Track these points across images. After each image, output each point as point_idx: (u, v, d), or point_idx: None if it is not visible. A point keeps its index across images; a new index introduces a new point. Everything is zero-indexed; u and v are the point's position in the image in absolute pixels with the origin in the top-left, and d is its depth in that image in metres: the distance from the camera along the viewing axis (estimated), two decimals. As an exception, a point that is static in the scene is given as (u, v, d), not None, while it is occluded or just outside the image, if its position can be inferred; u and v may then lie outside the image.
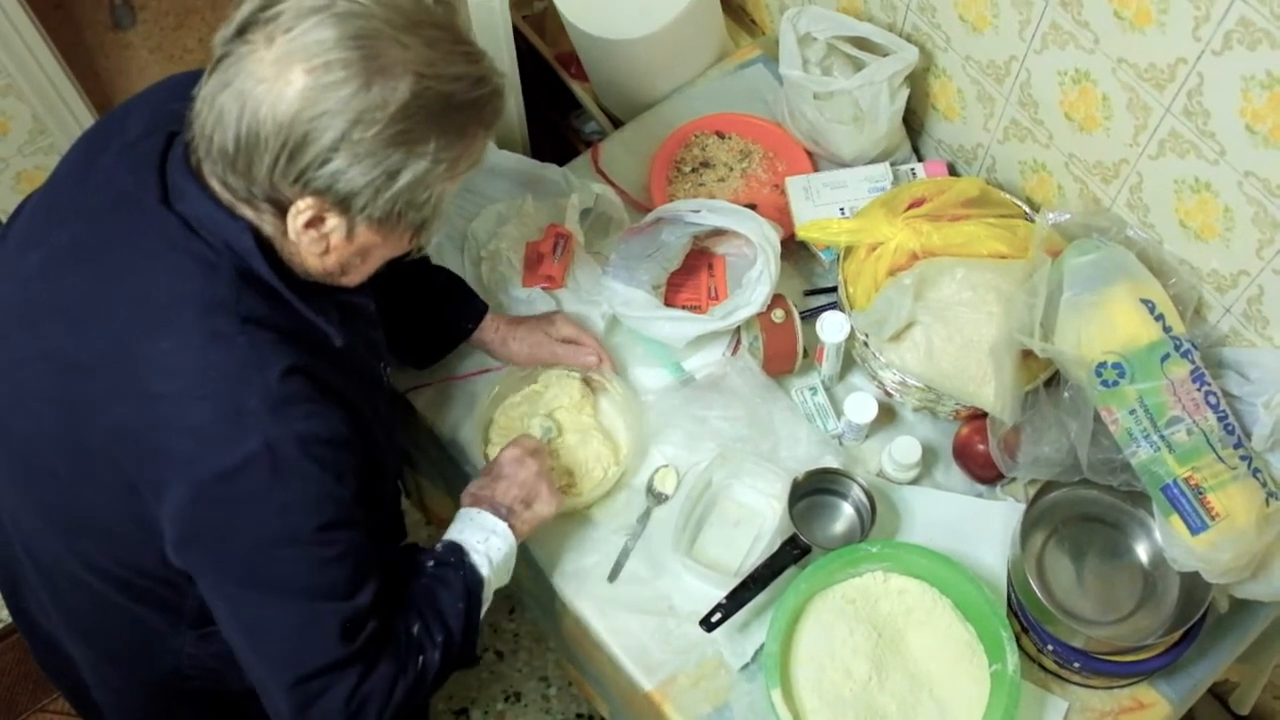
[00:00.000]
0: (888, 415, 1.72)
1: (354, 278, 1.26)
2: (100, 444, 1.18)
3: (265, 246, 1.18)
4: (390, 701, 1.27)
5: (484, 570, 1.41)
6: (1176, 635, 1.48)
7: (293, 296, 1.20)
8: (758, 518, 1.64)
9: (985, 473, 1.64)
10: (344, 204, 1.13)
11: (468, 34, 1.18)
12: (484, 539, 1.43)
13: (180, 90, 1.25)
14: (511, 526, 1.46)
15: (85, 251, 1.21)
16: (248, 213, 1.17)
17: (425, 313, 1.64)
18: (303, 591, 1.21)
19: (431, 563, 1.40)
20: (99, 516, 1.25)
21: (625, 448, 1.67)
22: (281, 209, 1.15)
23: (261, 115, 1.08)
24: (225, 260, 1.17)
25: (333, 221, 1.15)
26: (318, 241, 1.17)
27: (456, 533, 1.44)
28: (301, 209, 1.14)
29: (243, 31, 1.11)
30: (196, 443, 1.14)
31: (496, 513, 1.46)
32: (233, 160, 1.12)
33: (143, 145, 1.22)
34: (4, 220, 1.39)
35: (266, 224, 1.17)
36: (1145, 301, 1.49)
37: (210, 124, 1.12)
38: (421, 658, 1.31)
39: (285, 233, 1.17)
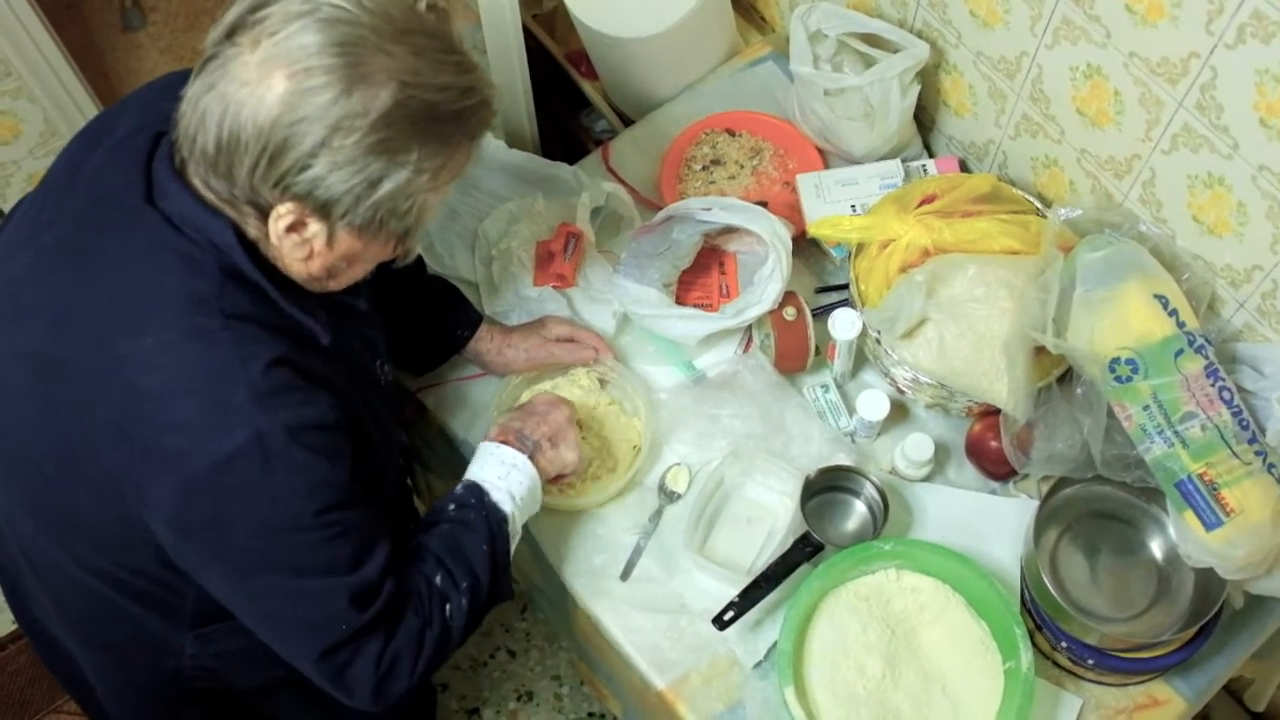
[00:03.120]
0: (900, 412, 1.72)
1: (341, 282, 1.25)
2: (86, 443, 1.18)
3: (249, 245, 1.18)
4: (420, 654, 1.30)
5: (506, 507, 1.41)
6: (1191, 632, 1.48)
7: (278, 294, 1.20)
8: (770, 516, 1.64)
9: (998, 469, 1.64)
10: (324, 210, 1.13)
11: (461, 43, 1.18)
12: (504, 474, 1.44)
13: (170, 89, 1.25)
14: (535, 463, 1.46)
15: (70, 251, 1.21)
16: (231, 213, 1.17)
17: (421, 321, 1.65)
18: (308, 572, 1.22)
19: (452, 506, 1.41)
20: (89, 517, 1.26)
21: (641, 446, 1.67)
22: (263, 212, 1.15)
23: (242, 119, 1.08)
24: (209, 256, 1.17)
25: (314, 227, 1.15)
26: (300, 246, 1.17)
27: (476, 470, 1.45)
28: (282, 213, 1.14)
29: (231, 33, 1.11)
30: (185, 437, 1.14)
31: (522, 445, 1.47)
32: (214, 162, 1.12)
33: (129, 144, 1.22)
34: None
35: (250, 226, 1.18)
36: (1158, 297, 1.48)
37: (193, 126, 1.12)
38: (448, 605, 1.32)
39: (268, 235, 1.17)
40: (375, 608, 1.25)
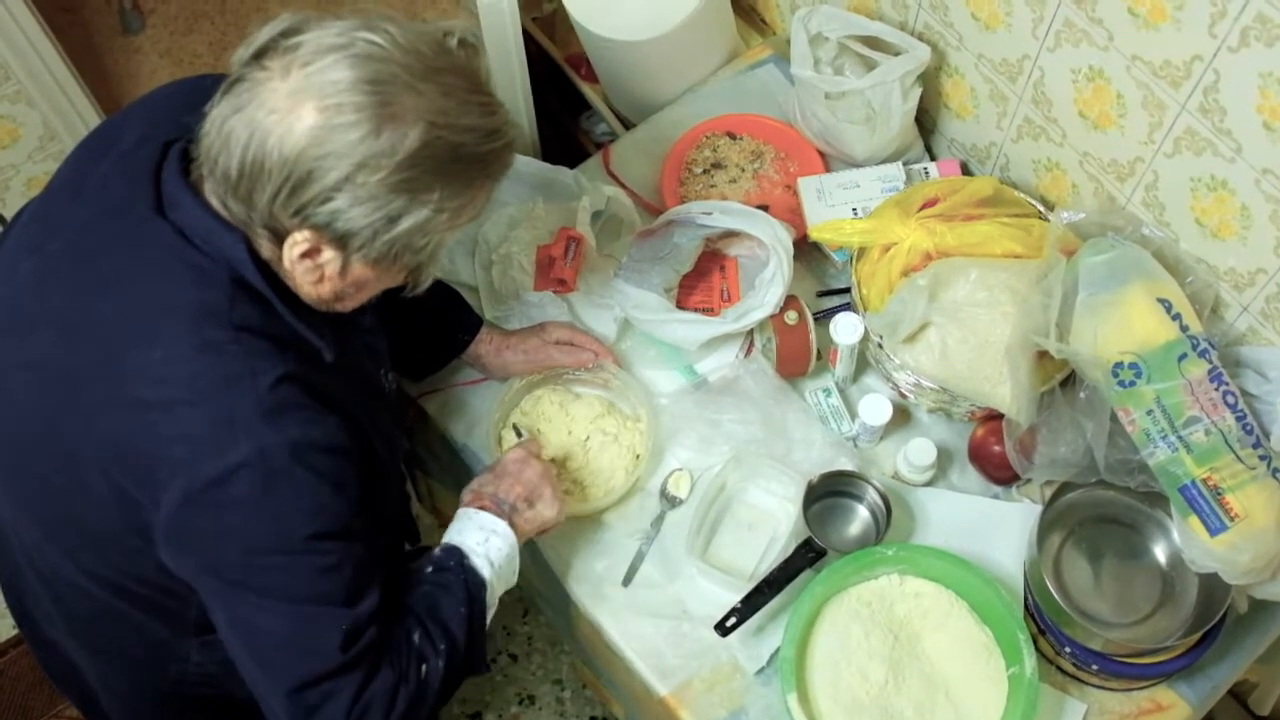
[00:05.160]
0: (902, 417, 1.71)
1: (347, 305, 1.25)
2: (92, 453, 1.18)
3: (260, 262, 1.18)
4: (393, 711, 1.25)
5: (485, 573, 1.38)
6: (1195, 637, 1.47)
7: (285, 310, 1.19)
8: (772, 521, 1.64)
9: (1001, 474, 1.63)
10: (341, 241, 1.13)
11: (488, 82, 1.18)
12: (484, 539, 1.41)
13: (177, 98, 1.24)
14: (513, 525, 1.44)
15: (77, 261, 1.21)
16: (246, 231, 1.17)
17: (421, 325, 1.64)
18: (299, 598, 1.20)
19: (430, 568, 1.38)
20: (94, 525, 1.25)
21: (642, 452, 1.66)
22: (279, 237, 1.15)
23: (269, 146, 1.08)
24: (220, 268, 1.16)
25: (328, 254, 1.15)
26: (312, 271, 1.17)
27: (455, 534, 1.42)
28: (298, 240, 1.14)
29: (260, 56, 1.11)
30: (189, 449, 1.14)
31: (499, 510, 1.44)
32: (235, 186, 1.12)
33: (137, 154, 1.21)
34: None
35: (264, 247, 1.17)
36: (1162, 301, 1.48)
37: (217, 146, 1.11)
38: (425, 665, 1.29)
39: (281, 258, 1.17)
40: (356, 649, 1.22)
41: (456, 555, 1.39)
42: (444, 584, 1.36)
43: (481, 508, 1.44)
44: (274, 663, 1.23)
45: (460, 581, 1.36)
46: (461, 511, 1.45)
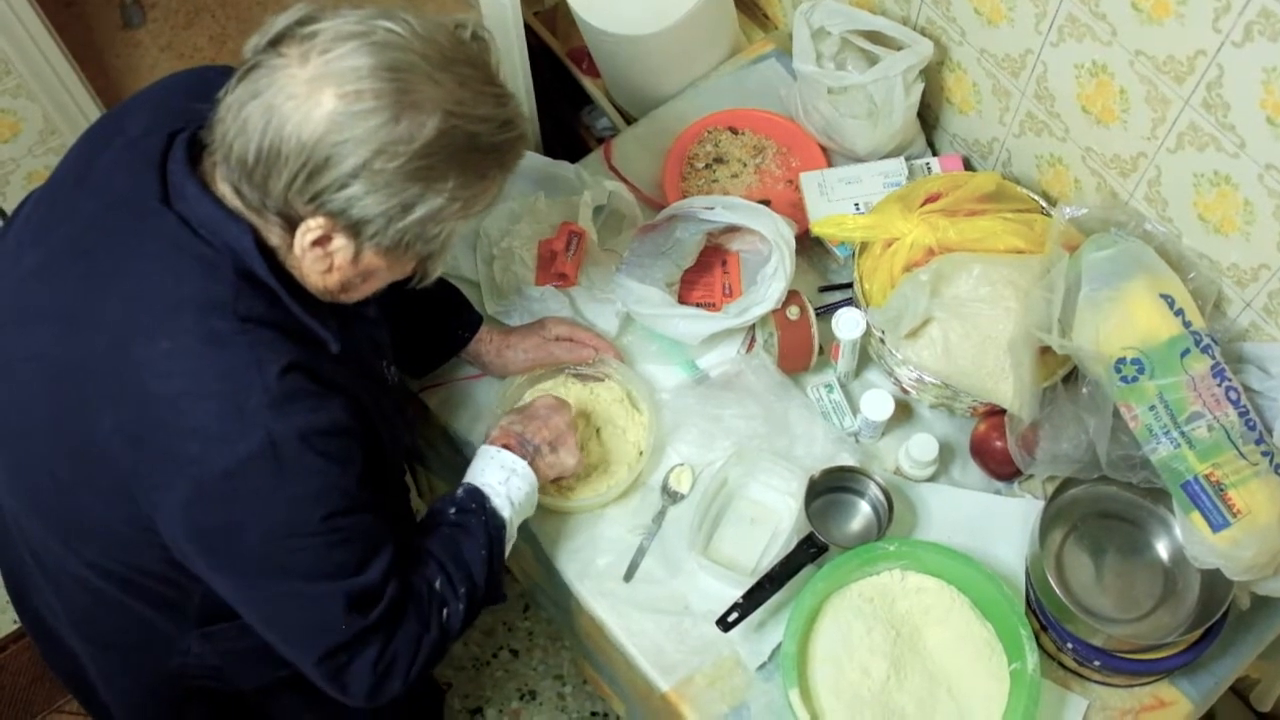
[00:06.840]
0: (904, 412, 1.71)
1: (353, 296, 1.26)
2: (97, 446, 1.18)
3: (266, 251, 1.18)
4: (417, 657, 1.31)
5: (505, 513, 1.43)
6: (1197, 633, 1.47)
7: (291, 301, 1.20)
8: (774, 516, 1.63)
9: (1003, 470, 1.63)
10: (354, 228, 1.14)
11: (499, 73, 1.19)
12: (504, 479, 1.45)
13: (181, 88, 1.23)
14: (535, 467, 1.48)
15: (82, 252, 1.21)
16: (253, 219, 1.17)
17: (420, 320, 1.64)
18: (313, 576, 1.23)
19: (453, 510, 1.42)
20: (97, 517, 1.25)
21: (644, 447, 1.66)
22: (291, 224, 1.15)
23: (286, 132, 1.08)
24: (225, 260, 1.17)
25: (340, 242, 1.16)
26: (322, 259, 1.17)
27: (476, 474, 1.46)
28: (312, 227, 1.14)
29: (276, 43, 1.11)
30: (199, 443, 1.14)
31: (523, 450, 1.49)
32: (250, 171, 1.12)
33: (143, 144, 1.21)
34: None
35: (273, 235, 1.18)
36: (1164, 296, 1.47)
37: (233, 132, 1.11)
38: (446, 610, 1.34)
39: (291, 246, 1.17)
40: (377, 611, 1.26)
41: (478, 497, 1.43)
42: (464, 525, 1.40)
43: (505, 446, 1.48)
44: (298, 638, 1.27)
45: (481, 524, 1.41)
46: (483, 449, 1.49)
